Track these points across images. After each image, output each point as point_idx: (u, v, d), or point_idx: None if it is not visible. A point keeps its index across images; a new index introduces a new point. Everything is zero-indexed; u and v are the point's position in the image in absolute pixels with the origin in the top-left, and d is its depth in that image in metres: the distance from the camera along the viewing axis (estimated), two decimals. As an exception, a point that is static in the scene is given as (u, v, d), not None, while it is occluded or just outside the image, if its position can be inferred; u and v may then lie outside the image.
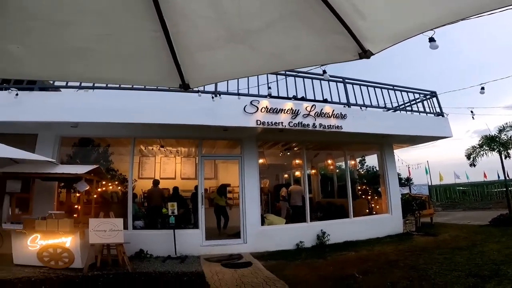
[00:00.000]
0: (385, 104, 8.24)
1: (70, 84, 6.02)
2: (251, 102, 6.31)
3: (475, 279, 3.98)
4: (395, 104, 8.43)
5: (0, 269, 4.59)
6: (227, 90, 6.62)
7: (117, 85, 6.01)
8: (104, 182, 7.20)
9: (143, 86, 6.02)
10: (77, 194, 6.37)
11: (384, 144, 8.92)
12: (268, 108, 6.38)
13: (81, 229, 5.05)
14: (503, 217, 8.75)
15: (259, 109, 6.31)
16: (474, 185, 20.66)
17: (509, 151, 10.02)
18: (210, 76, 2.31)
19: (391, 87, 8.38)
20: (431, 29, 1.73)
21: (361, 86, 7.91)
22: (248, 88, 6.85)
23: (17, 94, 5.57)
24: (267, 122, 6.32)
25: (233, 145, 7.92)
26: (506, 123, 10.18)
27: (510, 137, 10.00)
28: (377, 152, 9.34)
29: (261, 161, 8.42)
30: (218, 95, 6.34)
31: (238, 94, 6.57)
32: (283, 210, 8.95)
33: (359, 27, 1.63)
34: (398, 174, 14.67)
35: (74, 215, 5.62)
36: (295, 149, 9.38)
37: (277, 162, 11.15)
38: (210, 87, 6.27)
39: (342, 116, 7.03)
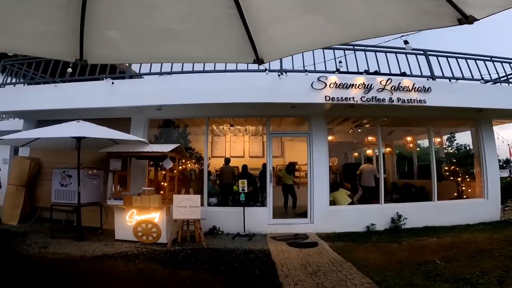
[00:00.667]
0: (481, 75, 7.05)
1: (152, 71, 6.86)
2: (318, 78, 6.13)
3: None
4: (495, 76, 7.20)
5: (105, 244, 5.41)
6: (293, 68, 6.58)
7: (191, 70, 6.66)
8: (183, 160, 8.03)
9: (213, 68, 6.53)
10: (163, 172, 7.29)
11: (480, 119, 7.61)
12: (337, 84, 6.11)
13: (167, 205, 5.70)
14: None
15: (327, 85, 6.10)
16: None
17: None
18: (283, 49, 2.31)
19: (488, 58, 7.17)
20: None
21: (448, 59, 6.98)
22: (314, 64, 6.64)
23: (113, 83, 6.50)
24: (337, 98, 6.07)
25: (300, 122, 7.84)
26: None
27: None
28: (471, 128, 8.04)
29: (330, 138, 8.12)
30: (284, 72, 6.31)
31: (305, 71, 6.42)
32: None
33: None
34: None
35: (161, 192, 6.33)
36: (366, 126, 8.73)
37: (346, 140, 10.63)
38: (276, 65, 6.32)
39: (426, 90, 6.30)
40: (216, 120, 8.33)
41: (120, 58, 2.72)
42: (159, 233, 5.55)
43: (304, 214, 7.02)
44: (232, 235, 6.28)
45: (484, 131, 7.67)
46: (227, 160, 8.57)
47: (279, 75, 6.23)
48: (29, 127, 7.61)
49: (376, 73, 6.71)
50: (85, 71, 7.12)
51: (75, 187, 5.68)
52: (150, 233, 5.57)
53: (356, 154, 12.75)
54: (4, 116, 10.09)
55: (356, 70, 6.76)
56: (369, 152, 10.88)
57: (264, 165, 8.36)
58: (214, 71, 6.58)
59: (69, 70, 6.71)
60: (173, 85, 6.50)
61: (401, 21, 1.85)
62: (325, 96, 6.06)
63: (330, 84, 6.10)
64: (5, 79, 8.08)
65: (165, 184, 6.62)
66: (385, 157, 10.87)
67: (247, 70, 6.57)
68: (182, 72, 6.71)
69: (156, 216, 5.60)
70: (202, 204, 6.22)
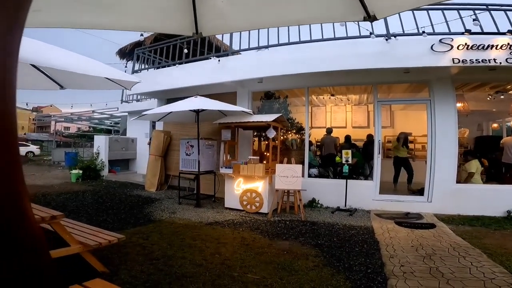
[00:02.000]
0: None
1: (251, 46, 7.19)
2: (440, 40, 5.34)
3: None
4: None
5: (217, 211, 5.97)
6: (403, 31, 5.84)
7: (287, 42, 6.65)
8: (285, 130, 8.23)
9: (309, 38, 6.38)
10: (266, 142, 7.67)
11: None
12: (468, 45, 5.24)
13: (270, 174, 5.94)
14: None
15: (454, 47, 5.26)
16: None
17: None
18: (397, 3, 2.01)
19: None
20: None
21: None
22: (432, 24, 5.67)
23: (219, 61, 7.21)
24: (471, 60, 5.21)
25: (415, 88, 6.88)
26: None
27: None
28: None
29: (459, 105, 6.87)
30: (393, 36, 5.64)
31: (422, 33, 5.55)
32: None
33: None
34: None
35: (264, 162, 6.63)
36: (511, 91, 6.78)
37: (481, 108, 8.60)
38: (381, 30, 5.78)
39: None
40: (315, 90, 8.07)
41: (229, 27, 2.83)
42: (262, 203, 5.84)
43: (420, 192, 6.23)
44: (331, 209, 6.19)
45: None
46: (329, 130, 8.28)
47: (386, 39, 5.64)
48: (161, 105, 9.20)
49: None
50: (196, 53, 8.12)
51: (196, 156, 6.63)
52: (254, 202, 5.90)
53: (495, 125, 10.17)
54: (143, 97, 12.53)
55: (494, 31, 5.45)
56: (512, 123, 8.50)
57: (369, 136, 7.71)
58: (311, 40, 6.39)
59: (185, 51, 7.71)
60: (272, 57, 6.66)
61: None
62: (453, 59, 5.26)
63: (459, 46, 5.27)
64: (140, 65, 10.05)
65: (268, 154, 6.94)
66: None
67: (349, 37, 6.10)
68: (279, 44, 6.77)
69: (259, 186, 5.91)
70: (302, 175, 6.30)
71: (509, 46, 5.12)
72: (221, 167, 6.51)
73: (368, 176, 6.95)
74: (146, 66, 10.19)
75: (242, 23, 2.61)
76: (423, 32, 5.59)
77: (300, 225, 5.07)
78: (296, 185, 5.67)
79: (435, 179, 5.91)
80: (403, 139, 7.58)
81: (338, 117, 9.91)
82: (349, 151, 6.35)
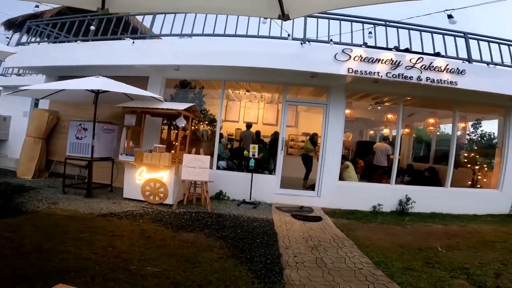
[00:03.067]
0: None
1: (173, 32, 6.81)
2: (342, 50, 5.93)
3: None
4: None
5: (113, 202, 5.50)
6: (317, 37, 6.36)
7: (212, 33, 6.54)
8: (197, 121, 8.04)
9: (234, 32, 6.42)
10: (176, 131, 7.32)
11: (510, 107, 7.15)
12: (362, 57, 5.93)
13: (176, 164, 5.74)
14: None
15: (352, 57, 5.93)
16: None
17: None
18: (311, 4, 2.13)
19: None
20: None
21: (490, 43, 6.53)
22: (340, 35, 6.34)
23: (133, 42, 6.59)
24: (360, 71, 5.91)
25: (319, 92, 7.63)
26: None
27: None
28: (500, 117, 7.58)
29: (347, 111, 7.90)
30: (307, 41, 6.12)
31: (330, 41, 6.23)
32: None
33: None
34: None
35: (172, 151, 6.35)
36: (387, 103, 8.35)
37: (363, 116, 10.32)
38: (299, 34, 6.20)
39: (459, 72, 5.99)
40: (232, 84, 8.16)
41: (140, 6, 2.55)
42: (166, 194, 5.64)
43: (312, 187, 7.04)
44: (237, 202, 6.42)
45: (513, 120, 7.22)
46: (249, 125, 8.56)
47: (301, 43, 6.08)
48: (50, 81, 7.67)
49: (407, 50, 6.34)
50: (107, 32, 7.32)
51: (89, 140, 5.80)
52: (158, 193, 5.66)
53: (372, 132, 12.43)
54: (27, 72, 10.37)
55: (385, 46, 6.41)
56: (386, 131, 10.56)
57: (275, 133, 8.28)
58: (235, 35, 6.42)
59: (92, 27, 6.68)
60: (193, 46, 6.48)
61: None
62: (348, 68, 5.91)
63: (355, 57, 5.92)
64: (29, 38, 8.49)
65: (177, 144, 6.67)
66: (402, 138, 10.56)
67: (269, 37, 6.41)
68: (203, 34, 6.58)
69: (164, 175, 5.66)
70: (211, 167, 6.31)
71: (391, 61, 5.93)
72: (121, 154, 5.91)
73: (272, 171, 7.47)
74: (38, 40, 8.38)
75: (156, 3, 2.39)
76: (331, 40, 6.22)
77: (206, 217, 5.08)
78: (204, 176, 5.64)
79: (324, 176, 6.75)
80: (313, 139, 8.42)
81: (251, 113, 10.32)
82: (256, 146, 6.67)
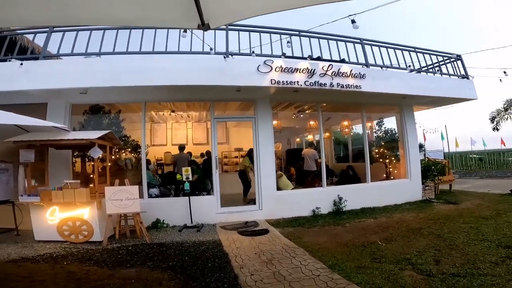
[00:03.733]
0: (406, 65, 7.77)
1: (75, 51, 5.92)
2: (264, 62, 6.04)
3: (506, 250, 3.80)
4: (417, 66, 7.99)
5: (23, 246, 4.63)
6: (239, 51, 6.34)
7: (125, 50, 5.95)
8: (117, 150, 7.14)
9: (151, 49, 5.98)
10: (92, 163, 6.32)
11: (403, 105, 8.47)
12: (282, 68, 6.13)
13: (98, 199, 5.01)
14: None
15: (273, 68, 6.08)
16: (490, 153, 20.07)
17: None
18: (232, 13, 2.00)
19: (413, 49, 7.87)
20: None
21: (380, 48, 7.51)
22: (261, 45, 6.47)
23: (21, 64, 5.45)
24: (282, 81, 6.10)
25: (245, 106, 7.67)
26: None
27: None
28: (397, 114, 8.88)
29: (275, 122, 8.17)
30: (230, 55, 6.03)
31: (251, 53, 6.29)
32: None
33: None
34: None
35: (90, 185, 5.58)
36: (307, 111, 9.01)
37: (289, 125, 10.90)
38: (221, 48, 6.11)
39: (361, 76, 6.71)
40: (154, 105, 7.59)
41: (25, 19, 2.03)
42: (91, 231, 4.91)
43: (253, 201, 6.93)
44: (178, 227, 5.87)
45: (407, 116, 8.53)
46: (182, 147, 7.99)
47: (224, 57, 5.97)
48: None
49: (319, 58, 6.89)
50: None
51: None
52: (80, 231, 4.91)
53: (298, 139, 13.18)
54: None
55: (300, 55, 6.84)
56: (310, 137, 11.32)
57: (208, 152, 7.96)
58: (153, 52, 5.97)
59: None
60: (102, 66, 5.69)
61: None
62: (271, 80, 6.04)
63: (276, 67, 6.10)
64: None
65: (94, 176, 5.77)
66: (324, 142, 11.48)
67: (191, 52, 6.13)
68: (114, 52, 5.92)
69: (85, 212, 4.92)
70: (141, 196, 5.65)
71: (308, 70, 6.20)
72: (22, 195, 4.89)
73: (209, 191, 7.09)
74: None
75: (46, 16, 1.92)
76: (253, 52, 6.30)
77: (146, 248, 4.51)
78: (134, 207, 5.04)
79: (262, 189, 6.73)
80: (251, 155, 8.31)
81: (179, 134, 9.79)
82: (189, 168, 6.29)
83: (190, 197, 6.08)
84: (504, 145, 20.65)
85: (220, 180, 6.69)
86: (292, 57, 6.70)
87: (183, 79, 5.67)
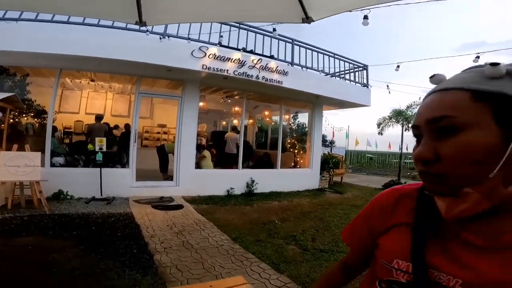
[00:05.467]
0: (323, 68, 8.81)
1: None
2: (199, 48, 6.27)
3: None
4: (331, 70, 9.08)
5: None
6: (177, 33, 6.34)
7: (51, 19, 5.35)
8: (17, 113, 6.28)
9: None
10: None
11: (316, 104, 9.57)
12: (216, 55, 6.43)
13: None
14: (393, 182, 10.78)
15: (207, 55, 6.33)
16: (380, 154, 24.17)
17: (410, 125, 11.92)
18: (169, 16, 2.13)
19: (332, 54, 8.92)
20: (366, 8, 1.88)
21: (307, 50, 8.31)
22: (200, 34, 6.58)
23: None
24: (213, 68, 6.39)
25: (174, 85, 7.66)
26: (414, 101, 11.99)
27: (414, 113, 11.80)
28: (309, 110, 10.00)
29: (201, 104, 8.39)
30: (167, 37, 6.06)
31: (188, 39, 6.37)
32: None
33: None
34: (325, 136, 16.22)
35: None
36: (236, 97, 9.44)
37: (217, 108, 11.13)
38: (160, 29, 6.05)
39: (284, 73, 7.42)
40: (72, 73, 6.87)
41: None
42: None
43: (171, 177, 7.07)
44: (86, 199, 5.64)
45: (317, 113, 9.72)
46: (99, 117, 7.40)
47: (160, 38, 5.98)
48: None
49: (252, 52, 7.33)
50: None
51: None
52: None
53: (224, 123, 13.57)
54: None
55: (236, 47, 7.15)
56: (235, 122, 11.81)
57: (127, 125, 7.67)
58: (84, 24, 5.47)
59: None
60: (14, 29, 5.09)
61: (265, 12, 1.98)
62: (203, 65, 6.28)
63: (210, 54, 6.35)
64: None
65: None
66: (248, 128, 12.18)
67: (126, 28, 5.77)
68: (36, 20, 5.26)
69: None
70: (43, 165, 5.27)
71: (239, 61, 6.64)
72: None
73: (125, 164, 6.93)
74: None
75: None
76: (189, 38, 6.39)
77: (46, 219, 4.32)
78: (33, 175, 4.73)
79: (181, 165, 6.95)
80: None
81: (97, 104, 9.03)
82: (103, 139, 6.08)
83: (102, 168, 5.88)
84: (390, 148, 25.14)
85: (139, 154, 6.63)
86: (227, 47, 6.99)
87: (111, 53, 5.44)
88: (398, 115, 12.08)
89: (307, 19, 1.67)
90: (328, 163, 10.28)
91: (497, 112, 0.47)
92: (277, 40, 7.65)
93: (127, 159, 6.77)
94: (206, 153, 7.91)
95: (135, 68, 6.17)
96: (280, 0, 1.70)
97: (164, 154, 8.06)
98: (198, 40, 6.53)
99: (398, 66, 9.62)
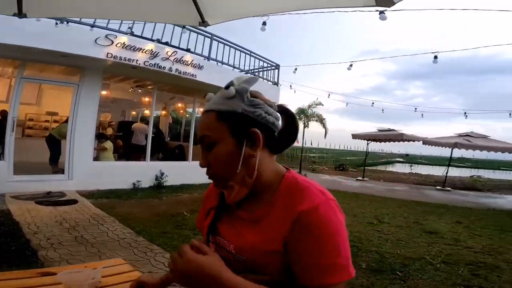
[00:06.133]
0: (239, 65, 9.12)
1: None
2: (106, 36, 5.89)
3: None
4: (247, 67, 9.42)
5: None
6: (80, 20, 5.72)
7: None
8: None
9: None
10: None
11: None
12: (125, 45, 6.14)
13: None
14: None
15: (115, 43, 6.00)
16: (290, 148, 26.68)
17: (310, 122, 13.73)
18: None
19: (249, 52, 9.28)
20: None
21: (225, 46, 8.44)
22: (108, 22, 6.03)
23: None
24: (120, 57, 6.09)
25: (71, 72, 6.74)
26: (314, 101, 13.91)
27: (314, 112, 13.76)
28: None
29: (104, 93, 7.72)
30: (65, 22, 5.44)
31: (92, 26, 5.83)
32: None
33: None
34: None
35: None
36: (148, 87, 8.89)
37: (125, 97, 10.28)
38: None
39: (199, 67, 7.46)
40: None
41: None
42: None
43: (62, 170, 6.20)
44: None
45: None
46: None
47: (56, 24, 5.32)
48: None
49: (167, 44, 7.08)
50: None
51: None
52: None
53: (134, 113, 12.60)
54: None
55: (150, 37, 6.81)
56: (146, 112, 11.10)
57: (3, 112, 6.40)
58: None
59: None
60: None
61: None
62: (108, 53, 5.93)
63: (118, 43, 6.05)
64: None
65: None
66: (161, 119, 11.60)
67: None
68: None
69: None
70: None
71: (151, 52, 6.45)
72: None
73: (0, 155, 5.75)
74: None
75: None
76: (93, 25, 5.81)
77: None
78: None
79: (75, 157, 6.22)
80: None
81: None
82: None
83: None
84: (298, 143, 28.02)
85: (20, 145, 5.71)
86: (140, 36, 6.61)
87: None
88: (301, 113, 13.67)
89: (203, 23, 1.81)
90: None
91: (230, 126, 0.65)
92: (195, 34, 7.60)
93: (3, 150, 5.66)
94: (108, 144, 7.24)
95: (19, 51, 5.27)
96: (178, 5, 1.78)
97: (55, 143, 6.97)
98: (106, 28, 6.01)
99: (296, 69, 10.87)
